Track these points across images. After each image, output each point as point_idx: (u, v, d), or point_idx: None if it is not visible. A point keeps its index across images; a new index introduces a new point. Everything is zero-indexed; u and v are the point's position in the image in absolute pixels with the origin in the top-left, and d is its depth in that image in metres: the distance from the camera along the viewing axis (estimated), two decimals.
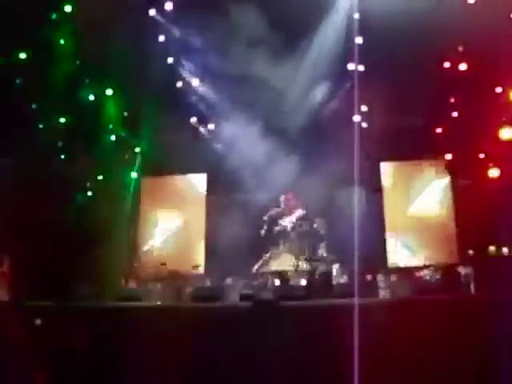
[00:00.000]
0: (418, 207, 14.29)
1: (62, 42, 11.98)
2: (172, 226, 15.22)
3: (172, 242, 15.09)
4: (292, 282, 11.70)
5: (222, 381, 5.91)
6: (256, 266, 14.10)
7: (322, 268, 11.61)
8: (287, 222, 14.60)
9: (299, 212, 14.51)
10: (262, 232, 14.30)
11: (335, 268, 11.71)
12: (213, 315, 6.44)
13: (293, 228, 14.45)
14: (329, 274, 11.13)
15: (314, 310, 6.18)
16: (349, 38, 11.68)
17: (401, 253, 14.02)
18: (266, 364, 5.65)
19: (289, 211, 14.61)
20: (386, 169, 14.61)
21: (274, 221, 14.61)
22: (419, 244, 13.95)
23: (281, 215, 14.62)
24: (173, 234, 15.15)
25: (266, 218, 14.34)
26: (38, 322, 6.39)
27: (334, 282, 10.93)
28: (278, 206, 14.57)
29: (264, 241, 14.43)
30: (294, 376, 5.63)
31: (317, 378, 5.67)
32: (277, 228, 14.60)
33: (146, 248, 15.04)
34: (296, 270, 12.22)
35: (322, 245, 13.41)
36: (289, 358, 5.65)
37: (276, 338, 5.64)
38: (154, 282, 12.52)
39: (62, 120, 13.22)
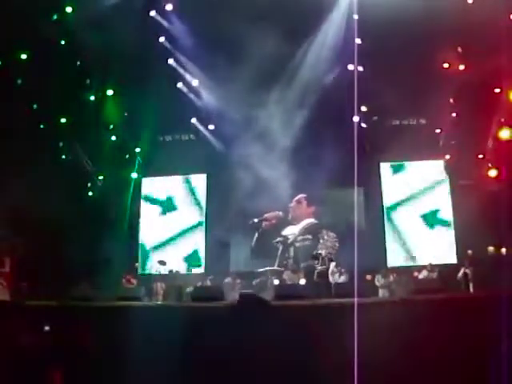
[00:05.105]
0: (417, 207, 14.31)
1: (62, 42, 12.00)
2: (172, 226, 15.25)
3: (172, 241, 15.12)
4: (290, 282, 11.68)
5: (222, 380, 5.93)
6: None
7: (320, 267, 11.59)
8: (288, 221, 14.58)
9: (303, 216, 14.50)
10: (260, 231, 14.32)
11: (333, 267, 11.69)
12: (213, 315, 6.45)
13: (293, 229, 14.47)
14: (327, 273, 11.12)
15: (308, 310, 6.17)
16: (348, 38, 11.68)
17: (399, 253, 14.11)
18: (261, 363, 5.66)
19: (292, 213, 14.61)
20: (386, 169, 14.64)
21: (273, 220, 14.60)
22: (419, 243, 14.05)
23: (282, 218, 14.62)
24: (173, 234, 15.19)
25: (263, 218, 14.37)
26: (47, 328, 6.39)
27: (333, 282, 10.92)
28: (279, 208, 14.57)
29: (264, 240, 14.42)
30: (292, 376, 5.65)
31: (315, 378, 5.69)
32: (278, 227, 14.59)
33: (146, 248, 15.06)
34: (294, 271, 12.19)
35: (322, 244, 13.39)
36: (281, 357, 5.65)
37: (266, 338, 5.64)
38: (155, 282, 12.54)
39: (63, 120, 13.26)
